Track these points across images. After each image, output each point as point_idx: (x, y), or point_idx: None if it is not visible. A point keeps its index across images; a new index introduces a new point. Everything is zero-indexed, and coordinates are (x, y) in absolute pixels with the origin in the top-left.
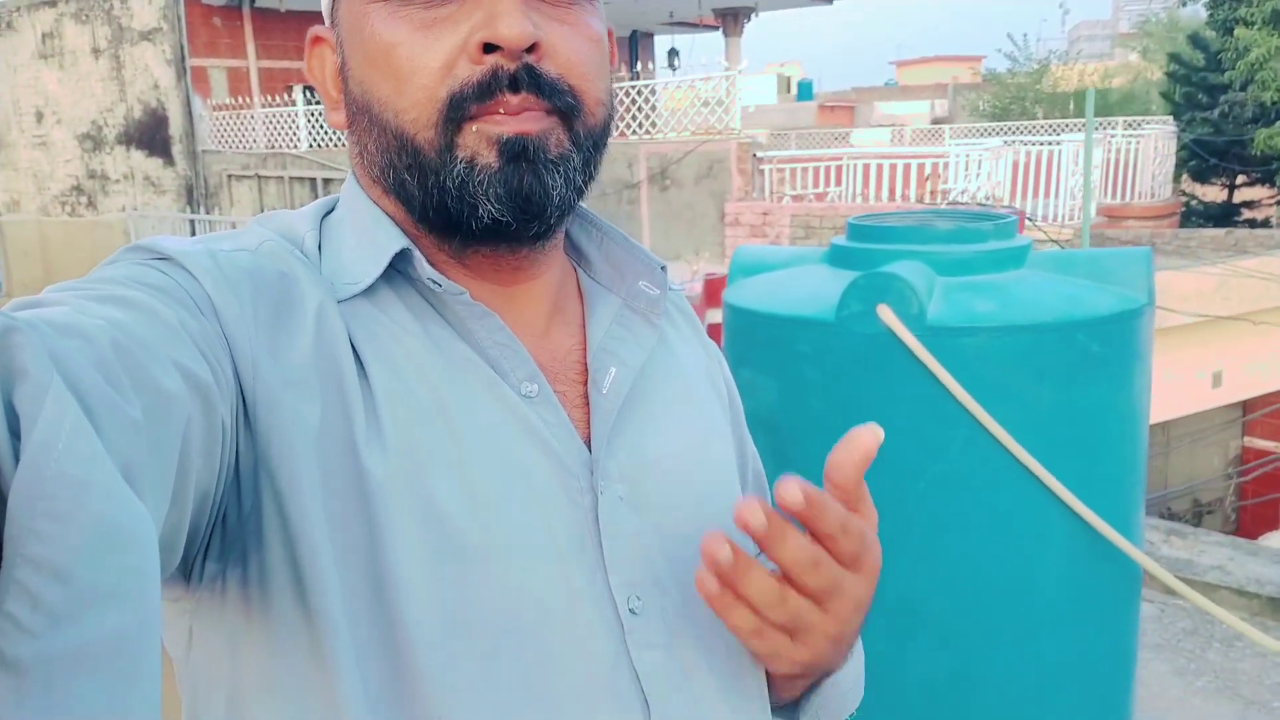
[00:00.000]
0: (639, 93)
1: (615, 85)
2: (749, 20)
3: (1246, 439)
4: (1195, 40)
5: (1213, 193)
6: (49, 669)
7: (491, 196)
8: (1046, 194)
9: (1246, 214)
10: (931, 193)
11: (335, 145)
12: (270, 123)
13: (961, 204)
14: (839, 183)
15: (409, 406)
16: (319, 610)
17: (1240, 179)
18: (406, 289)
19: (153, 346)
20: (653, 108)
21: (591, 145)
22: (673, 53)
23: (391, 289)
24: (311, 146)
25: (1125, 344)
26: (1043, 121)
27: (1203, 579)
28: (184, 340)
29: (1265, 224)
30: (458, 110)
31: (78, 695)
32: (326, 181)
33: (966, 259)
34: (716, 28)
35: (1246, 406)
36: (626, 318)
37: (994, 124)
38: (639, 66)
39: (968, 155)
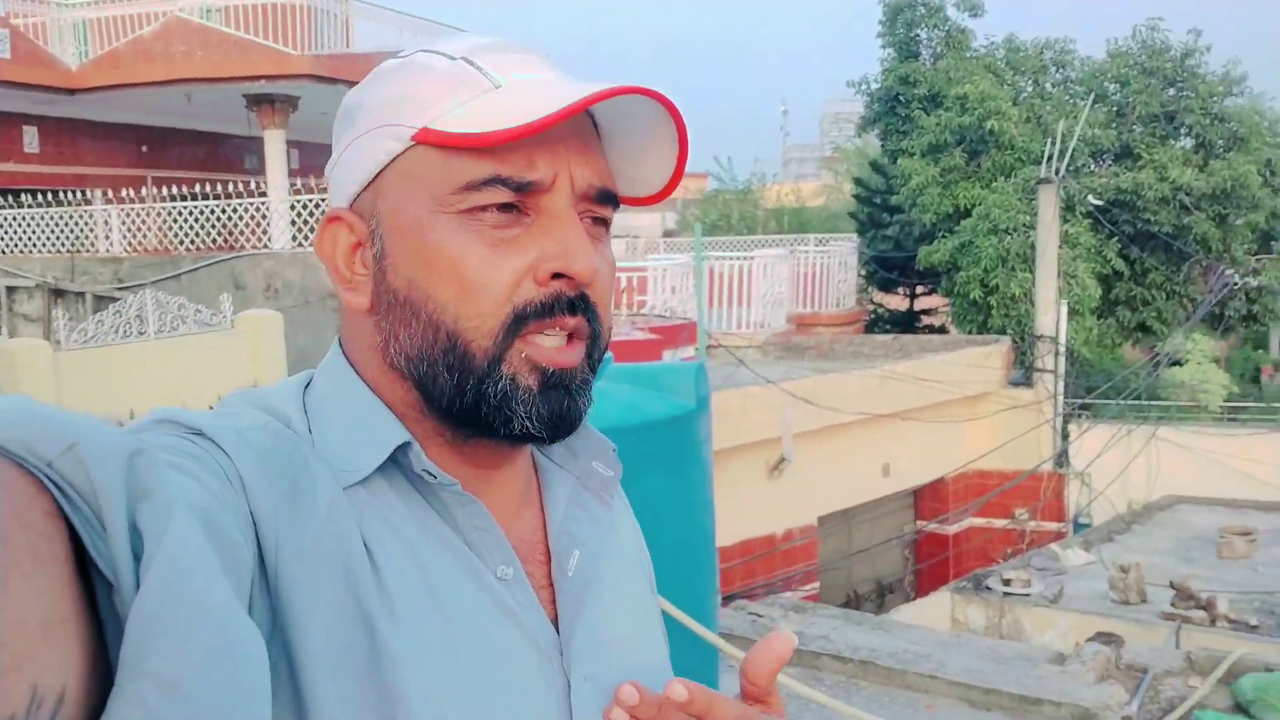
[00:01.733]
0: None
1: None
2: None
3: (918, 521)
4: (875, 166)
5: (896, 301)
6: None
7: (533, 416)
8: (741, 303)
9: (926, 320)
10: (629, 304)
11: (20, 250)
12: None
13: (652, 315)
14: None
15: (409, 589)
16: None
17: (920, 289)
18: (395, 474)
19: (211, 502)
20: None
21: (599, 365)
22: None
23: (381, 474)
24: None
25: (679, 443)
26: (744, 238)
27: (809, 648)
28: (224, 504)
29: (943, 329)
30: (519, 325)
31: None
32: (11, 290)
33: None
34: None
35: (917, 493)
36: (581, 497)
37: (710, 239)
38: None
39: (665, 269)
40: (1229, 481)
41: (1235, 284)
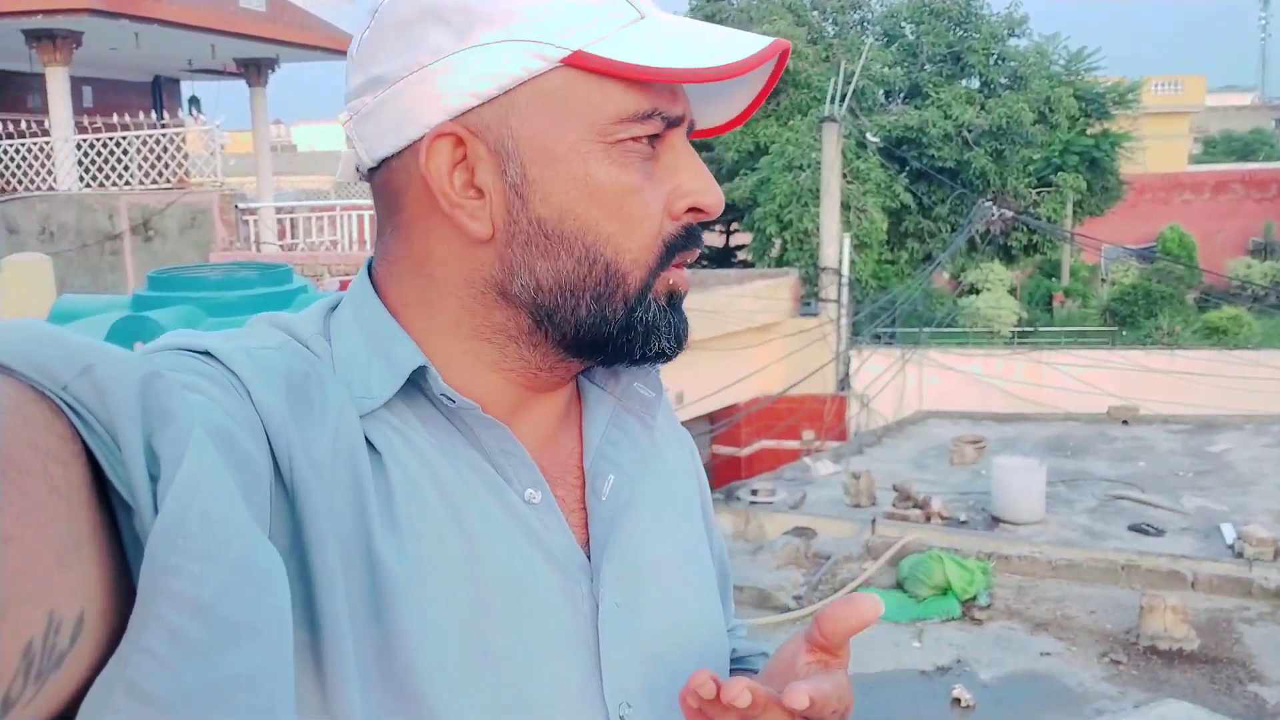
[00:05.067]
0: (167, 141)
1: (124, 134)
2: (273, 71)
3: (714, 447)
4: None
5: (712, 238)
6: (186, 703)
7: (672, 336)
8: None
9: (742, 256)
10: None
11: None
12: None
13: None
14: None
15: (423, 509)
16: (334, 692)
17: (736, 226)
18: (417, 398)
19: (227, 421)
20: (171, 154)
21: None
22: (193, 101)
23: (402, 398)
24: None
25: None
26: None
27: None
28: (237, 421)
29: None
30: (669, 257)
31: None
32: None
33: (232, 302)
34: (242, 76)
35: (714, 420)
36: (621, 419)
37: None
38: (173, 113)
39: None
40: (991, 398)
41: (993, 215)
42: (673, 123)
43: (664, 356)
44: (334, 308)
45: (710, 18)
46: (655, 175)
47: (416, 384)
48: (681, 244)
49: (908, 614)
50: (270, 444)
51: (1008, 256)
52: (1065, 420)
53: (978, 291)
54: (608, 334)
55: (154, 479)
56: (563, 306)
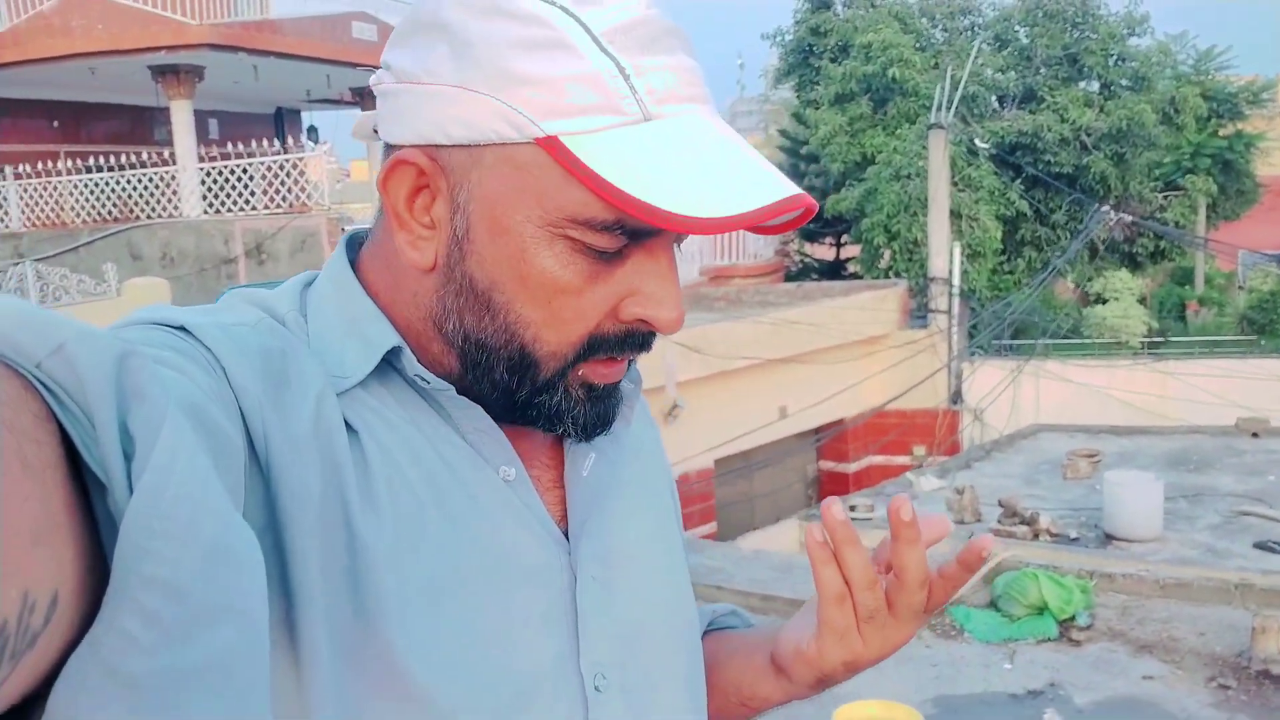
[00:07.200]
0: (285, 167)
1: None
2: None
3: (820, 462)
4: (797, 116)
5: (823, 251)
6: (163, 684)
7: (577, 425)
8: None
9: (852, 268)
10: None
11: None
12: None
13: None
14: None
15: (402, 484)
16: (308, 671)
17: (846, 238)
18: (392, 377)
19: (202, 398)
20: (296, 181)
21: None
22: (311, 130)
23: (377, 377)
24: None
25: None
26: None
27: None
28: (213, 397)
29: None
30: (590, 353)
31: (191, 710)
32: None
33: None
34: (357, 104)
35: (818, 434)
36: None
37: None
38: (287, 143)
39: None
40: (1110, 411)
41: (1110, 220)
42: (640, 235)
43: (571, 437)
44: (309, 284)
45: (815, 30)
46: (612, 276)
47: (391, 364)
48: (614, 344)
49: (1000, 634)
50: (245, 421)
51: (1133, 264)
52: (1189, 433)
53: (1105, 301)
54: (515, 402)
55: (129, 458)
56: (482, 364)
